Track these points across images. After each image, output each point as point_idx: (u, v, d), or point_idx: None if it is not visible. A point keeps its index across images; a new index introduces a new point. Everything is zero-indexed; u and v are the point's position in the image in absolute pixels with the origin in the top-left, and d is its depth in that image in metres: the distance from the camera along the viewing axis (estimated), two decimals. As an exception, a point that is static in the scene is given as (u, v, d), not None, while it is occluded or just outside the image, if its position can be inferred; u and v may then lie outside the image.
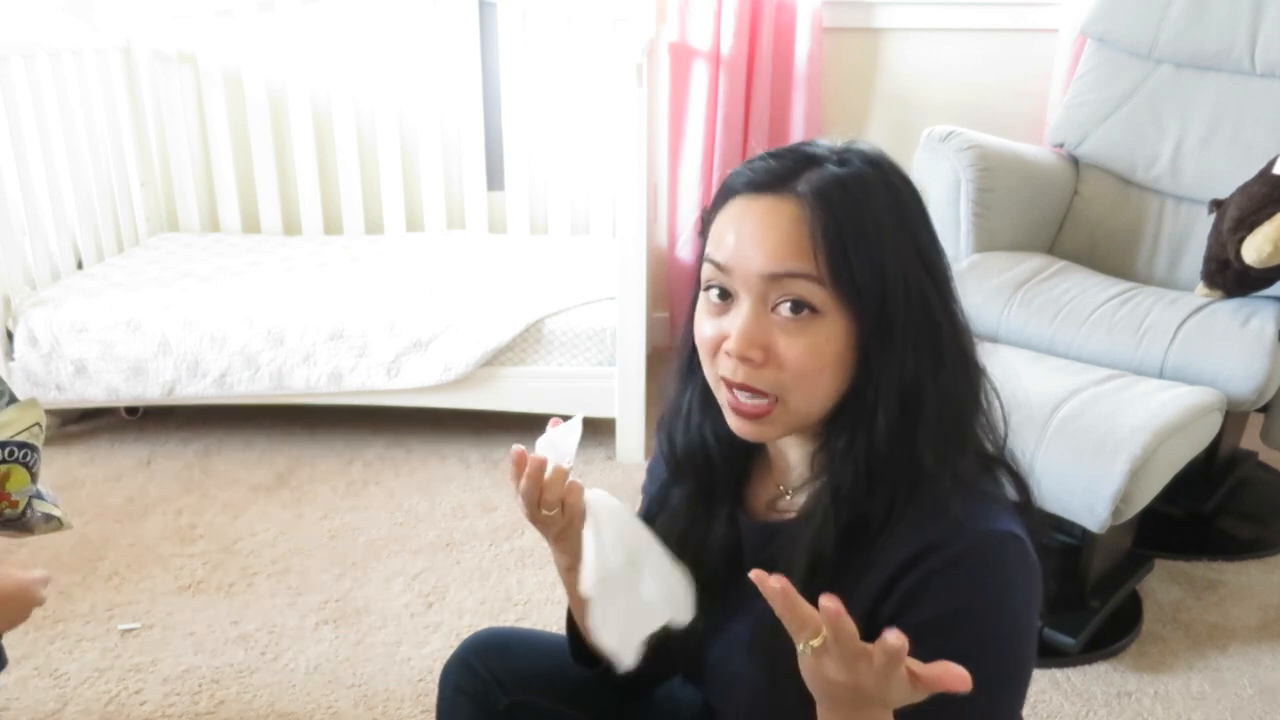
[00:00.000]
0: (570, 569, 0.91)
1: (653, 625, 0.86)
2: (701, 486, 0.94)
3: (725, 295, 0.82)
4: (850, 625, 0.68)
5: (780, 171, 0.81)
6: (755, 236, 0.79)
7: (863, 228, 0.78)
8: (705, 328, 0.84)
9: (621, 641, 0.85)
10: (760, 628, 0.85)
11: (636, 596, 0.85)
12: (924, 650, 0.78)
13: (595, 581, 0.85)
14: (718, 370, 0.83)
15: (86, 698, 1.64)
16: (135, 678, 1.69)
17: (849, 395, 0.82)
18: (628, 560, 0.85)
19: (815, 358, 0.79)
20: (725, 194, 0.84)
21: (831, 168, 0.80)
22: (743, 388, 0.81)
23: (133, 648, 1.76)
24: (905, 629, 0.79)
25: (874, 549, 0.81)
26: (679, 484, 0.96)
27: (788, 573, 0.84)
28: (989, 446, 0.86)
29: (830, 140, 0.85)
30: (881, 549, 0.80)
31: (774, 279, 0.79)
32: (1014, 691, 0.81)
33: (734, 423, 0.84)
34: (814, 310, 0.78)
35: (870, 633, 0.81)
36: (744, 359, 0.80)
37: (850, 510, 0.82)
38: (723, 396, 0.84)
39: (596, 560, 0.85)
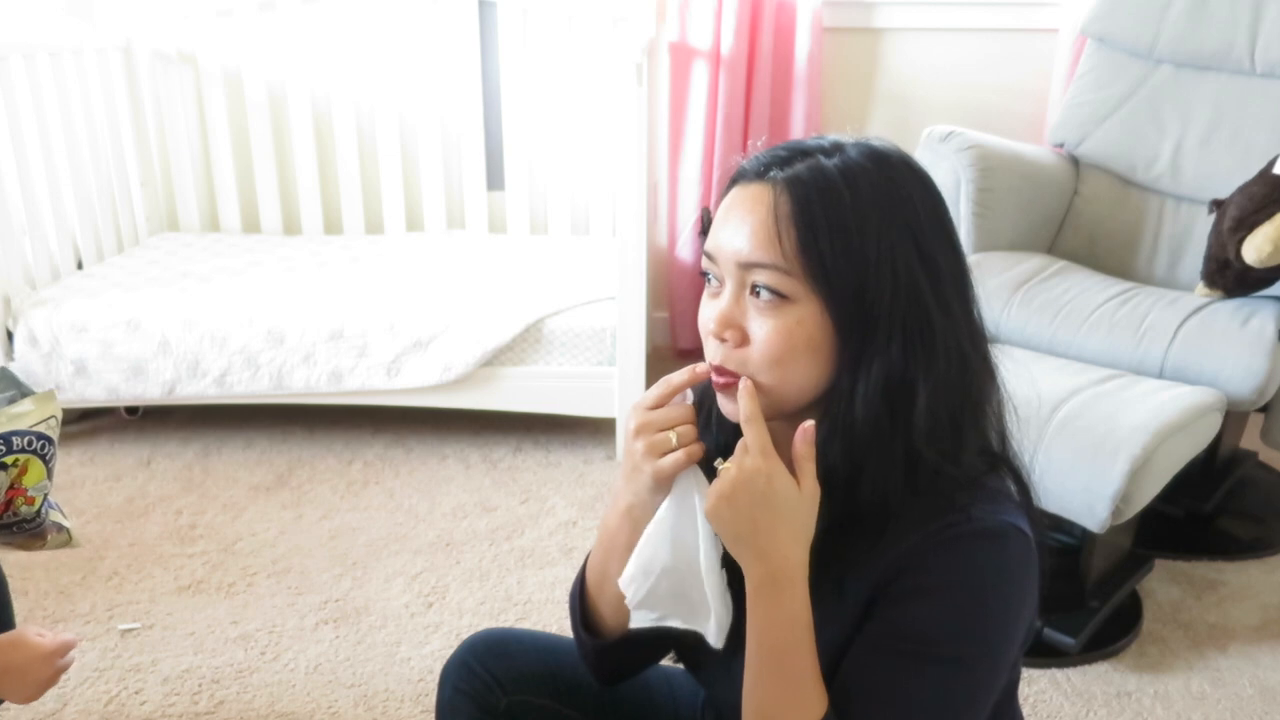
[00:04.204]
0: (629, 511, 0.90)
1: (679, 620, 0.87)
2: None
3: (718, 281, 0.85)
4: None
5: (769, 161, 0.83)
6: (733, 224, 0.82)
7: (839, 216, 0.79)
8: (701, 313, 0.87)
9: (643, 588, 0.86)
10: None
11: (685, 586, 0.86)
12: (904, 609, 0.79)
13: (659, 539, 0.85)
14: (706, 353, 0.86)
15: (86, 698, 1.64)
16: (135, 678, 1.69)
17: (832, 384, 0.83)
18: (695, 550, 0.85)
19: (784, 341, 0.80)
20: (728, 184, 0.87)
21: (821, 159, 0.82)
22: (718, 370, 0.84)
23: (133, 648, 1.76)
24: (893, 595, 0.80)
25: (882, 542, 0.81)
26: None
27: None
28: (994, 445, 0.86)
29: (840, 136, 0.86)
30: (889, 543, 0.81)
31: (747, 267, 0.81)
32: (983, 676, 0.82)
33: (720, 402, 0.86)
34: (784, 297, 0.80)
35: (867, 614, 0.82)
36: (719, 339, 0.83)
37: (840, 501, 0.82)
38: (713, 378, 0.86)
39: (675, 523, 0.85)
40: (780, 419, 0.86)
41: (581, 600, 1.01)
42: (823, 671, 0.83)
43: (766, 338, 0.81)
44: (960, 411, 0.82)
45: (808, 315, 0.80)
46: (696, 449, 0.85)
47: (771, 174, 0.82)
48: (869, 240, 0.79)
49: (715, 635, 0.87)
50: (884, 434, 0.81)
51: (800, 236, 0.79)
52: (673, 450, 0.85)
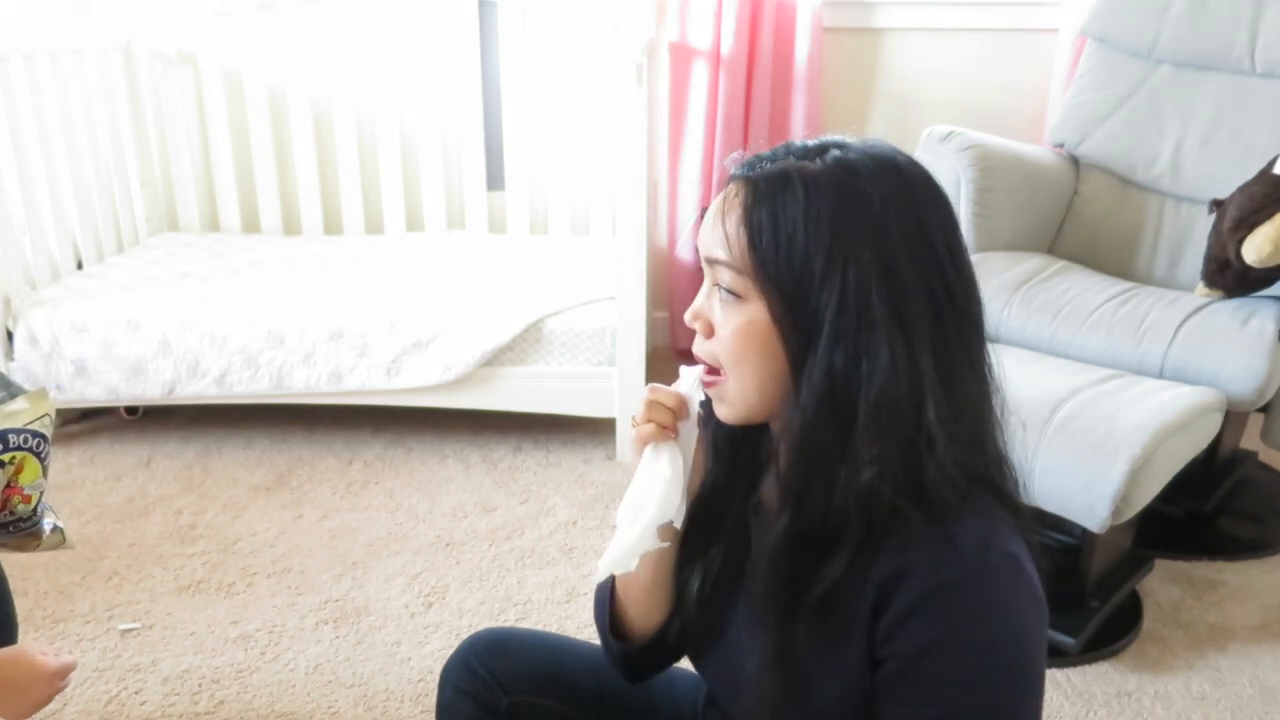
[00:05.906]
0: None
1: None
2: (724, 463, 0.95)
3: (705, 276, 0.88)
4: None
5: (748, 161, 0.85)
6: (709, 221, 0.85)
7: (787, 220, 0.79)
8: None
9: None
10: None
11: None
12: (921, 676, 0.77)
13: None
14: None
15: (86, 698, 1.64)
16: (135, 678, 1.69)
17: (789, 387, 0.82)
18: (645, 504, 0.89)
19: (739, 338, 0.82)
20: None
21: (792, 161, 0.82)
22: (696, 357, 0.88)
23: (133, 648, 1.76)
24: (899, 655, 0.77)
25: (864, 559, 0.78)
26: (715, 457, 0.97)
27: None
28: (976, 465, 0.81)
29: (839, 137, 0.85)
30: (873, 561, 0.78)
31: (710, 263, 0.85)
32: (1025, 707, 0.79)
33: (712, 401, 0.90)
34: (738, 295, 0.82)
35: (870, 645, 0.79)
36: (691, 328, 0.87)
37: (799, 509, 0.81)
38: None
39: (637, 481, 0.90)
40: (762, 421, 0.87)
41: (611, 606, 1.02)
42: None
43: (723, 334, 0.84)
44: (913, 431, 0.78)
45: (758, 315, 0.81)
46: (645, 430, 0.89)
47: (736, 173, 0.85)
48: (817, 246, 0.78)
49: (605, 560, 0.88)
50: (827, 447, 0.79)
51: (749, 237, 0.81)
52: (635, 427, 0.90)
